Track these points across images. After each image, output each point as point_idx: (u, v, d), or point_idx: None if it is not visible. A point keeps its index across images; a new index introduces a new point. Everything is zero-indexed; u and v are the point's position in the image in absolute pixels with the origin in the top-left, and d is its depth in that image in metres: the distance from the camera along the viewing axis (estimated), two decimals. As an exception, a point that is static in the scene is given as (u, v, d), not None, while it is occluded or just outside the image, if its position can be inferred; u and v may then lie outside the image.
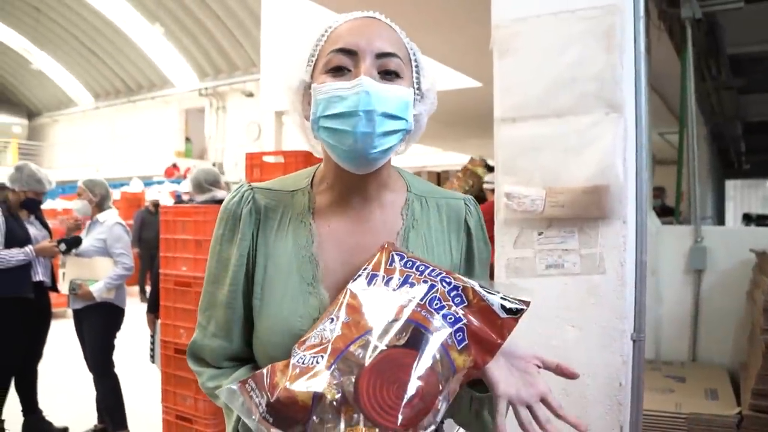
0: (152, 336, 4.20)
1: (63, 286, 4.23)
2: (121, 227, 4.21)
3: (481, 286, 0.93)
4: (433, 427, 0.85)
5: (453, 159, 16.38)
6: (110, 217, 4.27)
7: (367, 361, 0.83)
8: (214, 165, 17.78)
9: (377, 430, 0.80)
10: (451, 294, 0.91)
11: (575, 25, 1.92)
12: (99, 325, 4.10)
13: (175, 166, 16.52)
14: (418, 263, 0.96)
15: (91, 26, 18.94)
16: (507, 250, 2.03)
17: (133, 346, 4.65)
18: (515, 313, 0.92)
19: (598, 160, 1.88)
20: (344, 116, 0.99)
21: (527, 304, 0.93)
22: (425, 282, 0.92)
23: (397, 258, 0.97)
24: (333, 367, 0.84)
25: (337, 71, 1.02)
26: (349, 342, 0.86)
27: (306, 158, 3.83)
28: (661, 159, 9.79)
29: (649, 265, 3.25)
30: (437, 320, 0.88)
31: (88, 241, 4.19)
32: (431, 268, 0.96)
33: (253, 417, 0.86)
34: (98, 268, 4.13)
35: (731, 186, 17.70)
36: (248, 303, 1.10)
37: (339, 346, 0.86)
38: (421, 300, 0.90)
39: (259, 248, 1.09)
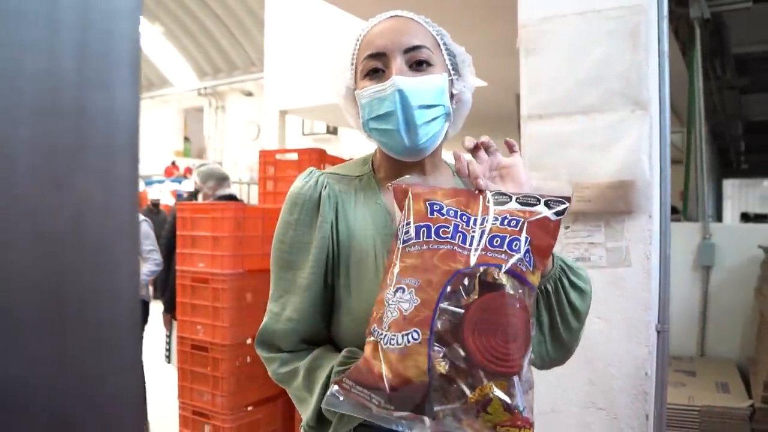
0: (168, 336, 4.24)
1: None
2: (147, 224, 4.28)
3: (522, 200, 0.95)
4: (531, 349, 0.87)
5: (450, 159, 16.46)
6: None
7: (463, 321, 0.85)
8: (213, 164, 17.79)
9: (503, 378, 0.82)
10: (504, 222, 0.92)
11: (601, 25, 1.97)
12: None
13: (174, 165, 16.51)
14: (458, 210, 0.96)
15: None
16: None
17: (147, 345, 4.66)
18: (563, 212, 0.95)
19: (624, 156, 1.92)
20: (386, 116, 1.07)
21: (569, 199, 0.96)
22: (475, 222, 0.93)
23: (436, 207, 0.96)
24: (431, 339, 0.84)
25: (374, 73, 1.10)
26: (434, 307, 0.86)
27: (320, 155, 3.88)
28: (662, 158, 9.82)
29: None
30: (506, 254, 0.89)
31: None
32: (467, 213, 0.96)
33: (370, 409, 0.87)
34: None
35: (729, 185, 17.76)
36: (329, 285, 1.12)
37: (426, 315, 0.86)
38: (480, 242, 0.90)
39: (341, 230, 1.12)
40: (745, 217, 15.07)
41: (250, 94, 17.35)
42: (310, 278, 1.11)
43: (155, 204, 10.11)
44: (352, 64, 1.15)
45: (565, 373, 2.05)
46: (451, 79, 1.14)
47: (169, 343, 4.20)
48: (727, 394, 3.12)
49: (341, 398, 0.89)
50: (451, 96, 1.14)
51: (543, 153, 2.04)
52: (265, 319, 1.16)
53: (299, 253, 1.12)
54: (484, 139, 1.08)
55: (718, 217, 13.50)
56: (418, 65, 1.09)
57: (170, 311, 4.06)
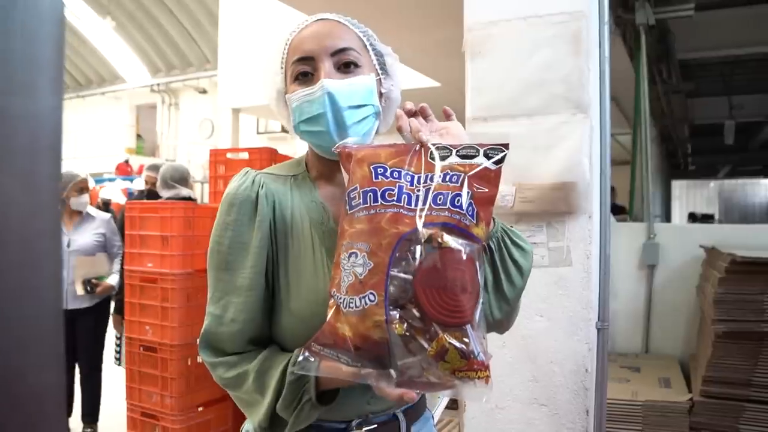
0: (119, 338, 4.17)
1: (78, 287, 4.09)
2: (113, 220, 4.31)
3: (462, 152, 0.97)
4: (482, 298, 0.91)
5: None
6: (98, 211, 4.33)
7: (413, 283, 0.88)
8: (167, 162, 17.53)
9: (457, 331, 0.87)
10: (446, 179, 0.94)
11: (544, 30, 2.02)
12: (99, 322, 4.20)
13: (127, 163, 16.22)
14: (401, 170, 0.98)
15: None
16: (478, 244, 2.10)
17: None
18: (502, 160, 0.96)
19: (565, 159, 1.97)
20: (316, 119, 1.10)
21: (507, 146, 0.97)
22: (419, 181, 0.96)
23: (380, 170, 0.98)
24: (386, 299, 0.89)
25: (303, 77, 1.12)
26: (386, 270, 0.90)
27: (270, 155, 3.86)
28: (613, 159, 10.04)
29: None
30: (449, 211, 0.92)
31: (88, 237, 4.17)
32: (410, 173, 0.98)
33: (340, 371, 0.92)
34: (98, 264, 4.16)
35: (677, 186, 18.24)
36: (271, 284, 1.13)
37: (380, 278, 0.90)
38: (425, 202, 0.93)
39: (279, 229, 1.13)
40: (693, 218, 15.50)
41: (204, 91, 17.15)
42: (253, 278, 1.10)
43: (106, 203, 9.90)
44: (281, 68, 1.17)
45: (509, 370, 2.10)
46: (379, 78, 1.17)
47: (119, 345, 4.13)
48: (669, 389, 3.21)
49: (313, 360, 0.94)
50: (380, 95, 1.17)
51: (488, 154, 2.07)
52: (206, 322, 1.14)
53: (238, 254, 1.12)
54: (424, 105, 1.11)
55: (667, 217, 13.87)
56: (346, 67, 1.12)
57: (121, 312, 4.00)
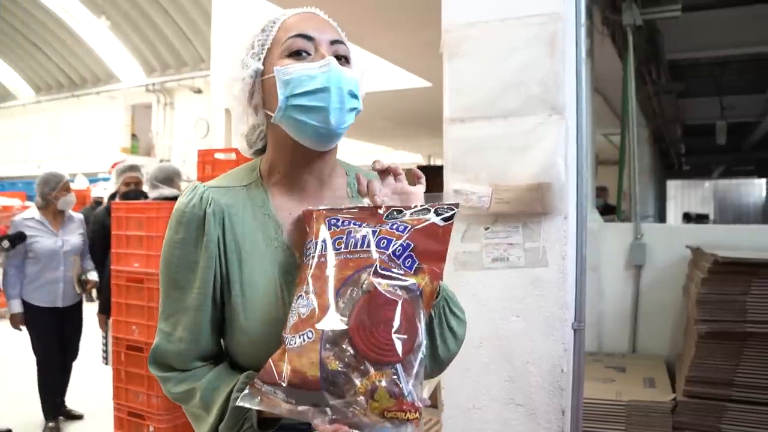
0: (104, 337, 4.19)
1: (76, 286, 4.42)
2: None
3: (414, 212, 1.03)
4: (423, 342, 0.94)
5: (403, 158, 16.54)
6: (72, 212, 4.53)
7: (349, 318, 0.92)
8: (161, 162, 17.52)
9: (388, 368, 0.90)
10: (394, 227, 1.00)
11: (521, 31, 2.02)
12: (80, 315, 4.58)
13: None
14: (354, 220, 1.04)
15: (31, 16, 18.36)
16: (455, 244, 2.11)
17: (83, 346, 4.59)
18: (451, 218, 1.02)
19: (541, 160, 1.98)
20: (317, 92, 1.05)
21: (457, 205, 1.04)
22: (368, 227, 1.01)
23: (333, 221, 1.03)
24: (323, 336, 0.92)
25: (298, 55, 1.09)
26: (326, 309, 0.93)
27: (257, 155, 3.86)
28: (605, 159, 10.08)
29: (591, 261, 3.39)
30: (387, 257, 0.97)
31: (76, 236, 4.44)
32: (362, 223, 1.04)
33: (279, 408, 0.93)
34: (79, 262, 4.45)
35: (672, 186, 18.29)
36: (219, 303, 1.11)
37: (319, 316, 0.93)
38: (370, 247, 0.98)
39: (229, 246, 1.10)
40: (687, 217, 15.55)
41: (199, 91, 17.13)
42: (199, 298, 1.09)
43: (98, 202, 9.86)
44: (264, 45, 1.12)
45: (485, 371, 2.11)
46: None
47: (105, 344, 4.15)
48: (653, 389, 3.22)
49: (255, 398, 0.95)
50: None
51: (465, 155, 2.08)
52: (156, 338, 1.14)
53: (186, 273, 1.10)
54: (393, 165, 1.11)
55: (662, 217, 13.90)
56: (339, 59, 1.10)
57: (105, 312, 4.02)
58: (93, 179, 14.25)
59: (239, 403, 0.96)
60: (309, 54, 1.09)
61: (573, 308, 2.04)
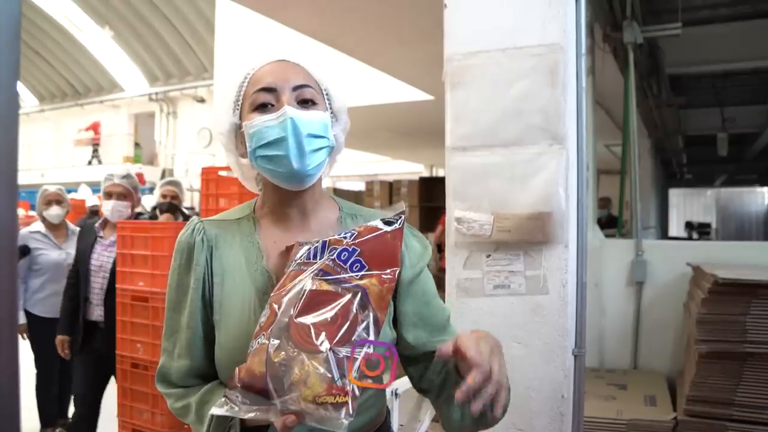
0: None
1: None
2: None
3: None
4: (368, 337, 1.00)
5: (404, 167, 16.56)
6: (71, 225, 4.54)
7: (291, 316, 1.00)
8: (164, 171, 17.59)
9: (320, 356, 0.95)
10: (340, 235, 1.11)
11: (522, 62, 2.06)
12: None
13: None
14: (318, 239, 1.13)
15: (35, 26, 18.49)
16: (457, 272, 2.14)
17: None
18: (396, 222, 1.14)
19: (541, 189, 2.01)
20: (277, 143, 1.14)
21: (404, 212, 1.16)
22: (324, 246, 1.11)
23: (301, 244, 1.14)
24: (270, 336, 0.99)
25: (263, 108, 1.18)
26: (275, 314, 1.02)
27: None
28: (608, 169, 10.11)
29: (592, 278, 3.41)
30: (332, 262, 1.06)
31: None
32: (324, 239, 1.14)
33: (237, 409, 0.97)
34: None
35: (674, 194, 18.30)
36: (207, 322, 1.21)
37: (271, 321, 1.01)
38: (318, 256, 1.08)
39: (215, 270, 1.21)
40: (690, 226, 15.55)
41: (202, 100, 17.22)
42: (190, 317, 1.21)
43: (94, 211, 9.80)
44: (237, 101, 1.22)
45: (488, 396, 2.13)
46: (331, 121, 1.24)
47: None
48: (654, 407, 3.23)
49: (223, 406, 1.00)
50: None
51: (466, 183, 2.11)
52: (161, 358, 1.26)
53: (181, 295, 1.23)
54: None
55: (664, 226, 13.90)
56: (305, 103, 1.19)
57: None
58: (96, 189, 14.23)
59: (211, 412, 1.02)
60: (273, 105, 1.17)
61: (573, 334, 2.06)
